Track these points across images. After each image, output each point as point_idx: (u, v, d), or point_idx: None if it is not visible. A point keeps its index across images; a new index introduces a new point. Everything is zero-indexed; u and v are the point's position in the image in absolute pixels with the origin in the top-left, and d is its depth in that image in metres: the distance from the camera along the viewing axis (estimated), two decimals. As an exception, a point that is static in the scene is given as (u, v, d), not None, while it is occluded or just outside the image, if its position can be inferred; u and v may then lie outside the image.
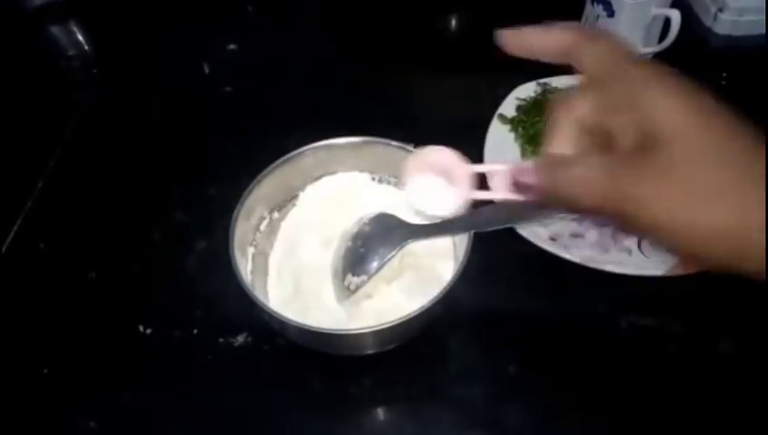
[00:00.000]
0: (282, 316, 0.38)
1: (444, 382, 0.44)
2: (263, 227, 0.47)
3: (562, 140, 0.26)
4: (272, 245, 0.48)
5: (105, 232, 0.55)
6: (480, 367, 0.45)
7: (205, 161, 0.60)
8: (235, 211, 0.43)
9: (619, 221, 0.25)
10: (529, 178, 0.28)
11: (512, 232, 0.48)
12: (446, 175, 0.32)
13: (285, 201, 0.49)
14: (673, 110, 0.24)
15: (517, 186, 0.29)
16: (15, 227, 0.56)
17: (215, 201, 0.56)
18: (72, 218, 0.56)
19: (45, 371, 0.46)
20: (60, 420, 0.44)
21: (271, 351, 0.46)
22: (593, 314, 0.47)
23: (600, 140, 0.26)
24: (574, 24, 0.28)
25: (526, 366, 0.44)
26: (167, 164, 0.60)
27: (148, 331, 0.48)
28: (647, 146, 0.24)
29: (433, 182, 0.33)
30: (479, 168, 0.32)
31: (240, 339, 0.46)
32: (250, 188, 0.44)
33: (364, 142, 0.48)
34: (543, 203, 0.28)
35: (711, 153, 0.24)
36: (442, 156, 0.32)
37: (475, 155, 0.54)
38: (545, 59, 0.29)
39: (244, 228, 0.44)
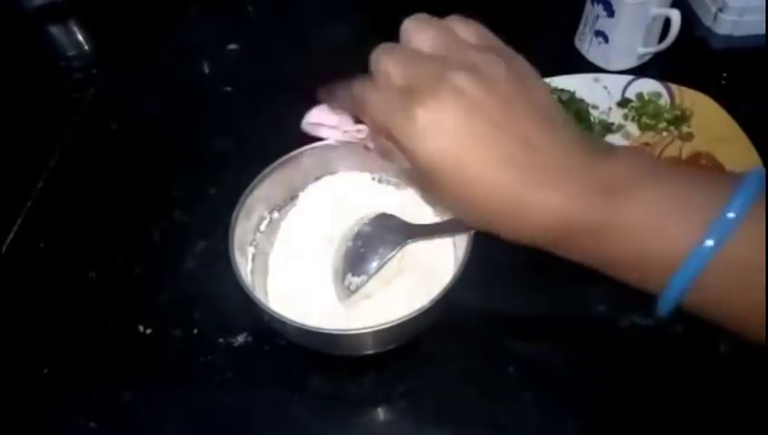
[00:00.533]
0: (282, 316, 0.38)
1: (444, 382, 0.44)
2: (263, 227, 0.47)
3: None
4: (272, 245, 0.48)
5: (105, 232, 0.55)
6: (480, 367, 0.45)
7: (205, 161, 0.60)
8: (235, 211, 0.43)
9: (393, 144, 0.29)
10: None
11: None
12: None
13: (285, 201, 0.49)
14: (429, 162, 0.27)
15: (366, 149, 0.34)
16: (15, 227, 0.56)
17: (215, 201, 0.56)
18: (71, 218, 0.56)
19: (45, 371, 0.46)
20: (60, 420, 0.44)
21: (271, 351, 0.46)
22: (593, 314, 0.47)
23: None
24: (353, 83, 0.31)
25: (526, 366, 0.44)
26: (167, 164, 0.60)
27: (148, 331, 0.48)
28: (431, 183, 0.29)
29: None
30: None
31: (240, 339, 0.46)
32: (250, 188, 0.44)
33: None
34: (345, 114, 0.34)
35: (468, 182, 0.28)
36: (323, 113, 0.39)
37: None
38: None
39: (244, 228, 0.44)
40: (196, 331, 0.47)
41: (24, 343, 0.48)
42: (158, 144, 0.62)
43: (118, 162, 0.61)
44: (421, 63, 0.28)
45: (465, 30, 0.30)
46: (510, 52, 0.30)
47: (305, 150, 0.47)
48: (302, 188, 0.49)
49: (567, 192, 0.26)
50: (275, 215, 0.48)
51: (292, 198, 0.49)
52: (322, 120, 0.39)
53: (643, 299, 0.46)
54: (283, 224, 0.49)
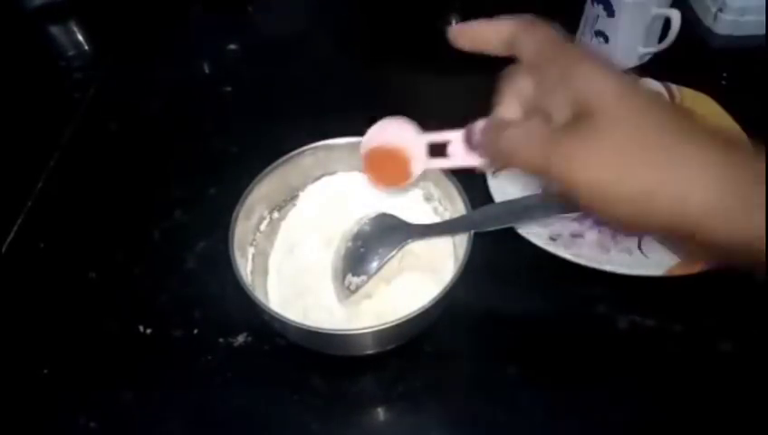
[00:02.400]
0: (282, 316, 0.38)
1: (444, 382, 0.44)
2: (263, 227, 0.47)
3: (509, 108, 0.30)
4: (272, 245, 0.48)
5: (105, 232, 0.55)
6: (480, 367, 0.45)
7: (205, 161, 0.60)
8: (235, 211, 0.43)
9: (552, 180, 0.27)
10: (478, 137, 0.30)
11: (512, 232, 0.48)
12: (404, 146, 0.34)
13: (285, 201, 0.49)
14: (601, 82, 0.26)
15: (468, 146, 0.31)
16: (15, 227, 0.56)
17: (215, 201, 0.56)
18: (72, 218, 0.56)
19: (45, 371, 0.46)
20: (60, 420, 0.44)
21: (271, 351, 0.46)
22: (593, 314, 0.47)
23: (537, 114, 0.28)
24: (520, 16, 0.30)
25: (526, 366, 0.44)
26: (167, 164, 0.60)
27: (148, 331, 0.48)
28: (580, 116, 0.26)
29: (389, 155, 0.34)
30: (433, 136, 0.33)
31: (240, 339, 0.46)
32: (250, 188, 0.44)
33: None
34: (488, 161, 0.31)
35: (636, 118, 0.26)
36: (398, 128, 0.34)
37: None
38: (492, 52, 0.31)
39: (244, 228, 0.44)
40: (196, 331, 0.47)
41: (23, 343, 0.48)
42: (158, 144, 0.62)
43: (118, 162, 0.61)
44: (554, 96, 0.28)
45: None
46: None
47: (305, 150, 0.47)
48: (302, 188, 0.49)
49: (709, 187, 0.25)
50: (275, 215, 0.48)
51: (292, 197, 0.49)
52: (390, 136, 0.34)
53: (643, 299, 0.47)
54: (283, 224, 0.49)
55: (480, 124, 0.31)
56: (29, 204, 0.57)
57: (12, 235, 0.55)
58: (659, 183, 0.25)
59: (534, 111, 0.29)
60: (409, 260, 0.45)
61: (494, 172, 0.46)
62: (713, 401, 0.42)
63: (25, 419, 0.44)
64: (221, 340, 0.47)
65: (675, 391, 0.43)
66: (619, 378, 0.44)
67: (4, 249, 0.54)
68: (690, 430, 0.42)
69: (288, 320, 0.38)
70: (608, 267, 0.46)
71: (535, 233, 0.48)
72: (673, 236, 0.27)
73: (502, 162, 0.30)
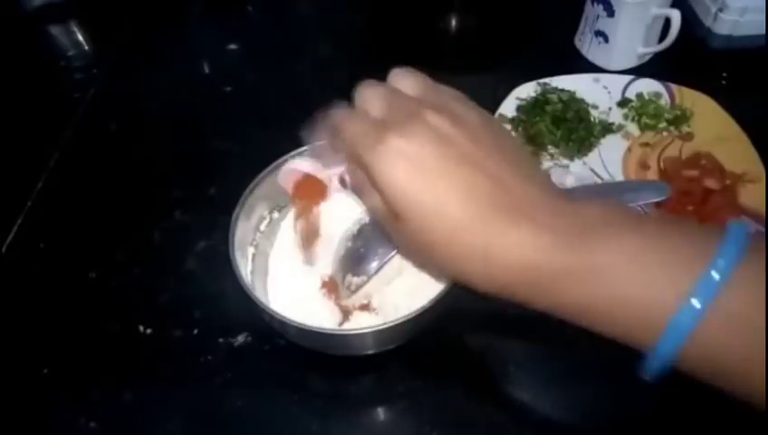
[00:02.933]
0: (282, 316, 0.38)
1: (443, 383, 0.44)
2: (263, 226, 0.47)
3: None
4: (272, 245, 0.48)
5: (105, 232, 0.55)
6: (480, 367, 0.45)
7: (205, 161, 0.60)
8: (236, 211, 0.43)
9: (371, 171, 0.28)
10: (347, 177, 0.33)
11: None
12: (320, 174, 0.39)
13: (286, 201, 0.49)
14: (399, 195, 0.27)
15: (342, 183, 0.36)
16: (15, 227, 0.56)
17: (215, 201, 0.56)
18: (72, 218, 0.56)
19: (45, 371, 0.46)
20: (59, 420, 0.44)
21: (271, 351, 0.46)
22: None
23: None
24: (334, 115, 0.32)
25: (526, 366, 0.44)
26: (167, 164, 0.60)
27: (148, 331, 0.48)
28: (398, 217, 0.28)
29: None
30: (339, 169, 0.36)
31: (240, 339, 0.46)
32: (250, 187, 0.44)
33: None
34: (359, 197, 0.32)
35: (435, 213, 0.27)
36: (304, 166, 0.39)
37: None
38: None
39: (244, 228, 0.44)
40: (196, 331, 0.47)
41: (24, 343, 0.48)
42: (158, 144, 0.62)
43: (118, 162, 0.61)
44: (400, 99, 0.29)
45: (424, 83, 0.31)
46: (470, 100, 0.31)
47: (305, 150, 0.47)
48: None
49: (537, 231, 0.25)
50: (275, 215, 0.48)
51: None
52: (301, 169, 0.40)
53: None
54: (283, 224, 0.49)
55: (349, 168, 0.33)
56: (29, 204, 0.57)
57: (12, 235, 0.55)
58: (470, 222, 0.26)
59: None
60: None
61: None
62: (713, 402, 0.42)
63: (25, 419, 0.44)
64: (221, 340, 0.47)
65: (675, 392, 0.43)
66: (618, 378, 0.44)
67: (3, 249, 0.54)
68: (690, 430, 0.42)
69: (288, 320, 0.38)
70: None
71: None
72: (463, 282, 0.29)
73: (330, 138, 0.32)
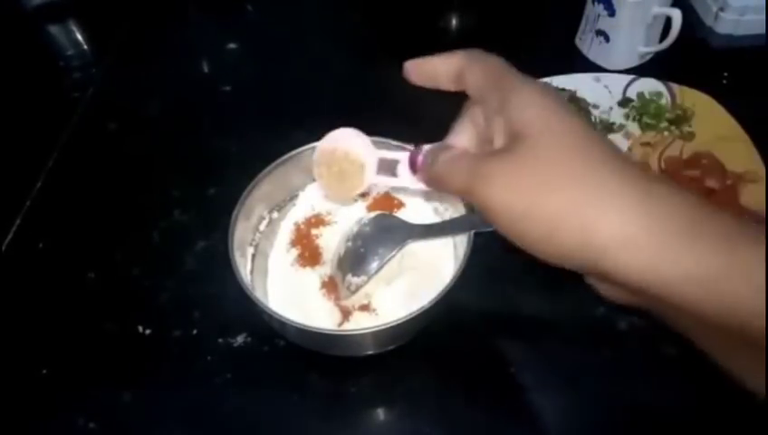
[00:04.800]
0: (281, 317, 0.38)
1: (443, 383, 0.44)
2: (262, 226, 0.47)
3: (461, 135, 0.30)
4: (272, 245, 0.48)
5: (105, 232, 0.55)
6: (480, 367, 0.45)
7: (204, 161, 0.60)
8: (235, 211, 0.43)
9: (474, 202, 0.28)
10: (420, 161, 0.31)
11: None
12: (359, 152, 0.34)
13: (285, 201, 0.49)
14: (532, 110, 0.26)
15: (412, 168, 0.32)
16: (15, 227, 0.56)
17: (215, 201, 0.56)
18: (71, 218, 0.56)
19: (44, 371, 0.46)
20: (59, 421, 0.44)
21: (270, 351, 0.46)
22: (593, 315, 0.47)
23: (488, 144, 0.29)
24: (468, 51, 0.30)
25: (526, 367, 0.44)
26: (166, 164, 0.60)
27: (148, 331, 0.48)
28: (510, 143, 0.26)
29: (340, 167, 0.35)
30: (385, 153, 0.34)
31: (240, 339, 0.46)
32: (250, 187, 0.44)
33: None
34: (427, 183, 0.31)
35: (558, 146, 0.25)
36: (351, 140, 0.34)
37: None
38: (444, 87, 0.32)
39: (243, 228, 0.44)
40: (195, 331, 0.47)
41: (23, 344, 0.48)
42: (158, 144, 0.62)
43: (117, 162, 0.61)
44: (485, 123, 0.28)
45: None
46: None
47: (305, 150, 0.47)
48: (302, 188, 0.49)
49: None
50: (275, 215, 0.48)
51: (291, 197, 0.49)
52: (347, 143, 0.34)
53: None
54: (283, 224, 0.49)
55: (425, 149, 0.31)
56: (28, 204, 0.57)
57: (11, 235, 0.55)
58: (566, 210, 0.24)
59: (485, 140, 0.29)
60: (409, 260, 0.45)
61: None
62: (713, 402, 0.42)
63: (25, 419, 0.44)
64: (220, 340, 0.46)
65: (675, 392, 0.43)
66: (618, 378, 0.44)
67: (3, 249, 0.54)
68: (691, 430, 0.42)
69: (288, 320, 0.38)
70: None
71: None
72: (584, 270, 0.27)
73: (434, 185, 0.31)
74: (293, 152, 0.46)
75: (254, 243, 0.46)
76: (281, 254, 0.48)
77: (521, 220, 0.26)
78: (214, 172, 0.58)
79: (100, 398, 0.44)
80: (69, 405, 0.44)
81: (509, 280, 0.48)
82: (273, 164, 0.46)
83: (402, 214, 0.46)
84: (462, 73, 0.30)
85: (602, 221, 0.23)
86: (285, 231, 0.48)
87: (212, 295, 0.48)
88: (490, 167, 0.26)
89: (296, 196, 0.49)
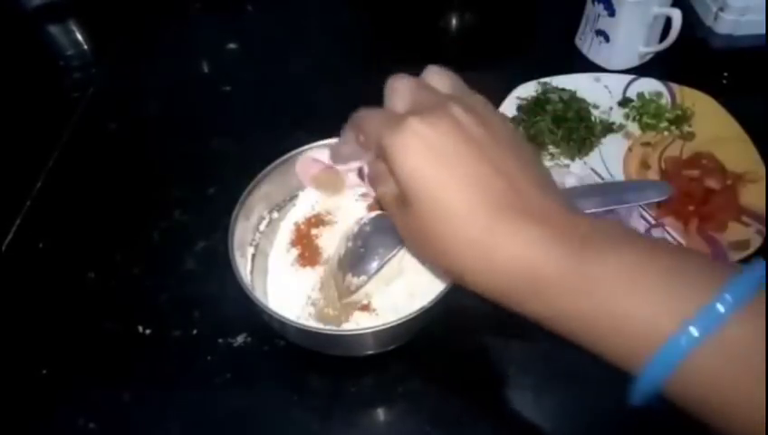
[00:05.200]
0: (281, 316, 0.38)
1: (443, 383, 0.44)
2: (262, 226, 0.47)
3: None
4: (272, 244, 0.48)
5: (105, 232, 0.55)
6: (480, 367, 0.45)
7: (204, 161, 0.60)
8: (235, 211, 0.43)
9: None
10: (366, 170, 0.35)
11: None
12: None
13: (285, 201, 0.49)
14: (412, 177, 0.27)
15: (360, 176, 0.39)
16: (14, 227, 0.56)
17: (215, 201, 0.56)
18: (71, 218, 0.56)
19: (44, 371, 0.46)
20: (59, 421, 0.44)
21: (270, 351, 0.46)
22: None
23: None
24: (351, 120, 0.33)
25: (526, 367, 0.44)
26: (166, 164, 0.60)
27: (148, 331, 0.48)
28: (406, 202, 0.28)
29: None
30: (346, 167, 0.39)
31: (239, 339, 0.46)
32: (249, 188, 0.44)
33: None
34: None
35: (443, 201, 0.27)
36: (324, 157, 0.40)
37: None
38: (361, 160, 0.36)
39: (243, 228, 0.44)
40: (195, 331, 0.47)
41: (23, 344, 0.48)
42: (158, 144, 0.62)
43: (117, 162, 0.61)
44: (429, 93, 0.30)
45: (449, 79, 0.31)
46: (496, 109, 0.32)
47: (305, 150, 0.47)
48: (302, 188, 0.49)
49: (540, 235, 0.25)
50: (275, 215, 0.48)
51: (291, 197, 0.49)
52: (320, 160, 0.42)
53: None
54: (283, 224, 0.49)
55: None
56: (28, 204, 0.57)
57: (11, 235, 0.55)
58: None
59: None
60: (409, 260, 0.45)
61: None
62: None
63: (25, 419, 0.44)
64: (220, 340, 0.46)
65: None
66: (618, 378, 0.44)
67: (3, 249, 0.54)
68: (690, 430, 0.42)
69: (288, 320, 0.38)
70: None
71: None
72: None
73: (355, 130, 0.33)
74: (293, 152, 0.46)
75: (254, 243, 0.46)
76: (281, 254, 0.47)
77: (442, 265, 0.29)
78: (214, 172, 0.58)
79: (100, 398, 0.44)
80: (69, 405, 0.44)
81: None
82: (273, 164, 0.46)
83: None
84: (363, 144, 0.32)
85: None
86: (285, 231, 0.48)
87: (212, 295, 0.48)
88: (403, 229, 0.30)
89: (296, 196, 0.49)
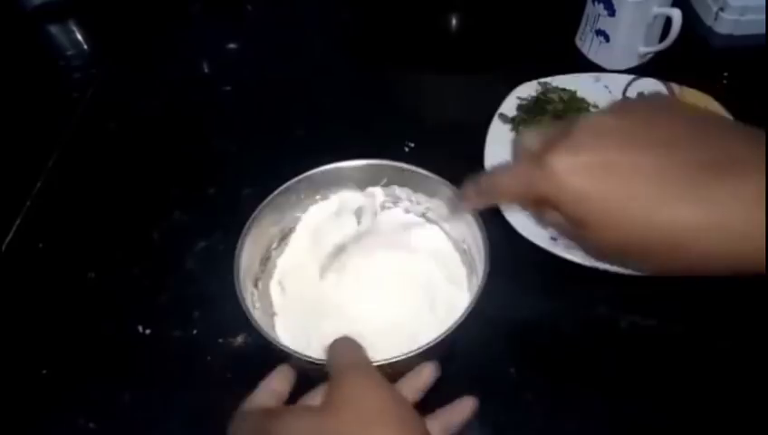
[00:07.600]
0: (288, 348, 0.38)
1: (443, 383, 0.44)
2: (272, 247, 0.46)
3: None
4: (278, 270, 0.47)
5: (105, 232, 0.55)
6: (481, 368, 0.45)
7: (204, 161, 0.60)
8: (239, 244, 0.42)
9: (540, 199, 0.29)
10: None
11: (512, 232, 0.48)
12: None
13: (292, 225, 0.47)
14: (573, 201, 0.27)
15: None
16: (15, 227, 0.56)
17: (214, 201, 0.56)
18: (71, 218, 0.56)
19: (44, 371, 0.46)
20: (59, 421, 0.44)
21: (270, 351, 0.46)
22: (594, 314, 0.47)
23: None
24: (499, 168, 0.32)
25: (527, 367, 0.44)
26: (166, 164, 0.60)
27: (148, 331, 0.48)
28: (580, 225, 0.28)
29: None
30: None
31: (239, 339, 0.46)
32: (255, 215, 0.43)
33: (370, 165, 0.46)
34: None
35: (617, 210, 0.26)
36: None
37: (476, 155, 0.54)
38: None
39: (250, 256, 0.43)
40: (195, 331, 0.47)
41: (23, 343, 0.48)
42: (158, 144, 0.62)
43: (117, 162, 0.61)
44: (550, 128, 0.30)
45: None
46: None
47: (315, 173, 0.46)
48: (306, 209, 0.48)
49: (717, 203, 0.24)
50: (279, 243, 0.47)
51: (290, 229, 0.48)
52: None
53: (643, 299, 0.46)
54: (287, 250, 0.47)
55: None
56: (28, 204, 0.57)
57: (11, 235, 0.55)
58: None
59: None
60: (411, 269, 0.45)
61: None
62: (713, 401, 0.42)
63: (25, 419, 0.44)
64: (220, 340, 0.46)
65: (675, 391, 0.43)
66: (619, 378, 0.44)
67: (3, 249, 0.54)
68: (691, 430, 0.42)
69: (293, 351, 0.38)
70: (609, 268, 0.46)
71: (535, 233, 0.48)
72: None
73: (486, 201, 0.33)
74: (312, 172, 0.45)
75: (261, 272, 0.45)
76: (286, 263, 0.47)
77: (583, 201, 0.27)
78: (214, 172, 0.58)
79: (100, 398, 0.44)
80: (69, 405, 0.44)
81: (509, 280, 0.48)
82: (277, 191, 0.44)
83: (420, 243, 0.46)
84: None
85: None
86: (294, 253, 0.47)
87: (212, 296, 0.48)
88: (550, 150, 0.27)
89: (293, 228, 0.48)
